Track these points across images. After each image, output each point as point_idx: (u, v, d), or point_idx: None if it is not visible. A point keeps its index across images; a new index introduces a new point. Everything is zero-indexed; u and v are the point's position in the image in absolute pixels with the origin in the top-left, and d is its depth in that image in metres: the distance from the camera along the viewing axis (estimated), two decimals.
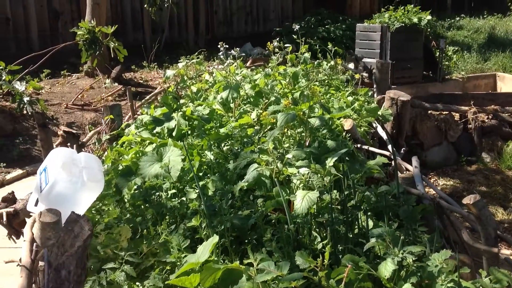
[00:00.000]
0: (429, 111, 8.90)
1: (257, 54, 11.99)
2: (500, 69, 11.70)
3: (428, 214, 3.05)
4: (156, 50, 11.43)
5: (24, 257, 2.33)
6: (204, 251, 2.46)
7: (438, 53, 10.74)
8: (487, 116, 8.98)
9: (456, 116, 9.06)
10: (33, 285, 2.29)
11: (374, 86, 7.31)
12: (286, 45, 5.62)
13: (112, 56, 9.02)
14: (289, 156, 3.30)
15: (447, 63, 11.45)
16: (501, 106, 8.93)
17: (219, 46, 5.33)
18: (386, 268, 2.19)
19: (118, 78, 9.17)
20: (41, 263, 2.43)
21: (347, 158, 3.73)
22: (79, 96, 8.29)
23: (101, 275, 2.39)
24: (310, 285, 2.34)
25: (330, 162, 2.96)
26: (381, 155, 3.74)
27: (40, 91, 8.34)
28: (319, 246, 2.76)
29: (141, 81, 9.76)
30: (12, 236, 2.95)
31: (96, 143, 4.34)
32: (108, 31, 8.66)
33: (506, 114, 8.95)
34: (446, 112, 8.96)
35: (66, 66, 10.28)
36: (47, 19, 11.58)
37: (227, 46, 5.28)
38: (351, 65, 9.36)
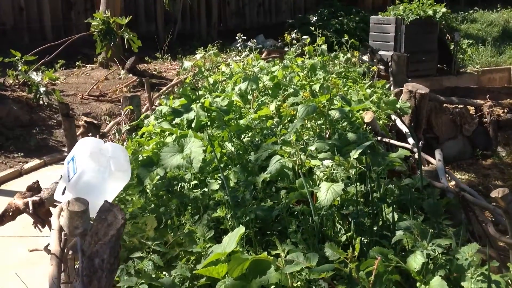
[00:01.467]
0: (444, 105, 8.84)
1: (270, 46, 11.95)
2: None
3: (453, 207, 3.04)
4: (169, 41, 11.43)
5: (53, 246, 2.35)
6: (231, 241, 2.47)
7: (452, 46, 10.65)
8: (502, 110, 8.91)
9: (471, 109, 9.00)
10: (62, 273, 2.31)
11: (391, 78, 7.27)
12: (304, 36, 5.60)
13: (126, 47, 9.05)
14: (312, 148, 3.30)
15: (461, 56, 11.36)
16: None
17: (236, 37, 5.32)
18: (416, 261, 2.19)
19: (133, 69, 9.18)
20: (70, 252, 2.46)
21: (368, 151, 3.72)
22: (95, 87, 8.31)
23: (129, 264, 2.40)
24: (335, 276, 2.34)
25: (354, 154, 2.95)
26: (402, 147, 3.73)
27: (56, 82, 8.37)
28: (343, 238, 2.76)
29: (155, 73, 9.77)
30: (38, 225, 2.96)
31: (116, 134, 4.35)
32: (123, 22, 8.68)
33: None
34: (461, 106, 8.90)
35: (80, 56, 10.30)
36: (60, 9, 11.60)
37: (245, 37, 5.27)
38: (365, 58, 9.31)
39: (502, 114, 8.90)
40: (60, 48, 8.36)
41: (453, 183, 4.11)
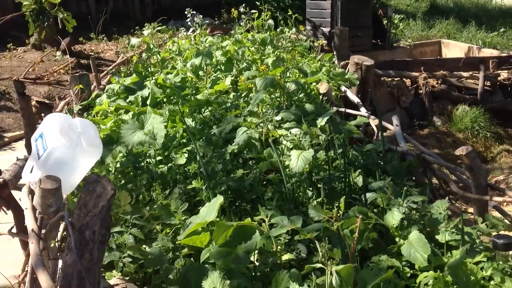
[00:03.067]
0: (382, 78, 9.11)
1: (207, 24, 11.83)
2: (444, 36, 12.09)
3: (413, 169, 3.18)
4: (103, 21, 11.08)
5: (30, 224, 2.28)
6: (210, 211, 2.49)
7: (386, 21, 10.96)
8: (436, 81, 9.29)
9: (407, 82, 9.33)
10: (43, 251, 2.25)
11: (334, 52, 7.41)
12: (252, 11, 5.60)
13: (60, 27, 8.68)
14: (278, 118, 3.34)
15: (394, 31, 11.72)
16: (449, 71, 9.26)
17: (186, 12, 5.24)
18: (393, 217, 2.29)
19: (68, 50, 8.84)
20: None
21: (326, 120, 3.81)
22: (30, 70, 7.95)
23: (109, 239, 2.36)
24: (318, 236, 2.42)
25: (321, 121, 3.02)
26: (361, 116, 3.84)
27: None
28: (314, 203, 2.83)
29: (92, 53, 9.45)
30: (2, 207, 2.85)
31: (68, 114, 4.21)
32: (56, 1, 8.31)
33: (455, 79, 9.30)
34: (398, 78, 9.21)
35: (9, 39, 9.80)
36: None
37: (194, 12, 5.21)
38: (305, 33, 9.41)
39: (436, 85, 9.28)
40: None
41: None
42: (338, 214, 2.13)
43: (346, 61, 6.08)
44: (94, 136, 2.60)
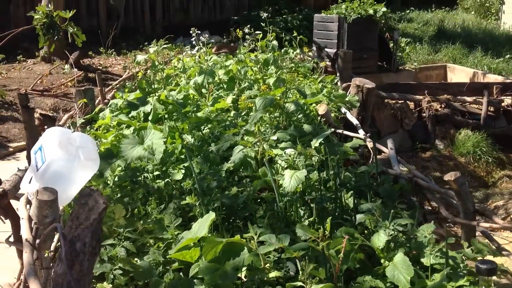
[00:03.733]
0: (386, 100, 9.18)
1: (215, 42, 11.99)
2: (450, 60, 12.18)
3: (406, 192, 3.23)
4: (113, 36, 11.26)
5: (25, 234, 2.35)
6: (201, 227, 2.54)
7: (392, 44, 11.07)
8: (440, 105, 9.34)
9: (411, 105, 9.39)
10: (36, 261, 2.31)
11: (337, 74, 7.50)
12: (257, 32, 5.71)
13: (70, 41, 8.84)
14: (274, 137, 3.41)
15: (400, 54, 11.82)
16: (453, 95, 9.32)
17: (190, 32, 5.35)
18: (379, 239, 2.34)
19: (77, 63, 8.99)
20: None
21: (321, 141, 3.87)
22: (38, 82, 8.09)
23: (101, 251, 2.43)
24: (305, 254, 2.46)
25: (316, 143, 3.09)
26: (356, 138, 3.90)
27: None
28: (306, 222, 2.89)
29: (100, 67, 9.60)
30: (1, 216, 2.92)
31: (71, 127, 4.30)
32: (67, 15, 8.48)
33: (458, 103, 9.35)
34: (402, 101, 9.27)
35: (20, 51, 9.98)
36: None
37: (199, 32, 5.32)
38: (310, 54, 9.53)
39: (439, 109, 9.33)
40: (2, 42, 8.09)
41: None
42: (325, 234, 2.18)
43: (348, 83, 6.15)
44: (92, 151, 2.67)
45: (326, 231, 2.23)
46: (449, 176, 2.72)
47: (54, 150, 2.52)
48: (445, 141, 9.12)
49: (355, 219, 2.68)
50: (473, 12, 18.24)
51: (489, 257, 2.43)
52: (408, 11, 17.37)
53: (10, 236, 3.15)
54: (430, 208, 3.33)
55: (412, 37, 13.96)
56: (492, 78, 10.42)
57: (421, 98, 9.21)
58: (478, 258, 2.39)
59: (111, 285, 2.44)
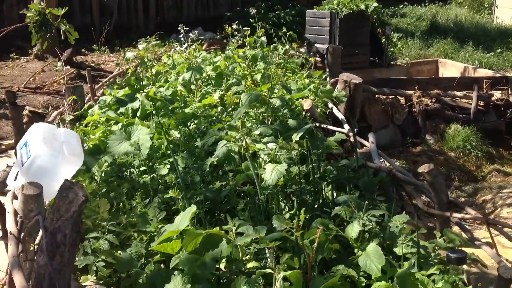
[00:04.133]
0: (377, 95, 9.26)
1: (209, 38, 12.03)
2: (441, 55, 12.25)
3: (385, 185, 3.31)
4: (106, 33, 11.29)
5: (10, 228, 2.42)
6: (183, 220, 2.61)
7: (384, 40, 11.13)
8: (430, 100, 9.43)
9: (402, 100, 9.47)
10: (21, 254, 2.38)
11: (327, 70, 7.57)
12: (245, 28, 5.77)
13: (62, 38, 8.88)
14: (257, 132, 3.48)
15: (392, 49, 11.88)
16: (443, 90, 9.39)
17: (179, 28, 5.41)
18: (353, 229, 2.41)
19: (70, 61, 9.04)
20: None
21: (307, 136, 3.95)
22: (31, 79, 8.14)
23: (85, 244, 2.50)
24: (280, 249, 2.54)
25: (296, 137, 3.16)
26: (341, 133, 3.97)
27: None
28: (287, 215, 2.96)
29: (93, 64, 9.65)
30: None
31: (60, 124, 4.37)
32: (59, 13, 8.51)
33: (448, 98, 9.43)
34: (392, 96, 9.34)
35: (13, 49, 10.02)
36: None
37: (187, 28, 5.38)
38: (302, 50, 9.60)
39: (430, 104, 9.41)
40: None
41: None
42: (299, 225, 2.25)
43: (336, 78, 6.22)
44: (76, 146, 2.75)
45: (300, 222, 2.30)
46: (422, 168, 2.80)
47: (38, 146, 2.59)
48: (435, 135, 9.21)
49: (331, 211, 2.75)
50: (466, 7, 18.32)
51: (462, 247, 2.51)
52: (401, 6, 17.44)
53: None
54: (411, 202, 3.41)
55: (405, 32, 14.03)
56: (482, 72, 10.51)
57: (412, 93, 9.29)
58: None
59: (94, 277, 2.51)
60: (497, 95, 9.54)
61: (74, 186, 2.03)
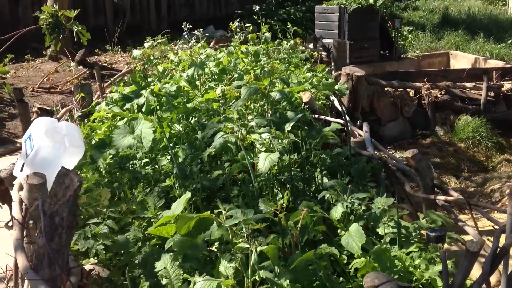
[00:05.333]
0: (386, 88, 9.31)
1: (220, 36, 12.20)
2: (452, 47, 12.24)
3: (377, 171, 3.42)
4: (119, 33, 11.53)
5: (15, 215, 2.60)
6: (179, 206, 2.76)
7: (394, 33, 11.17)
8: (439, 92, 9.45)
9: (411, 92, 9.50)
10: (25, 238, 2.55)
11: (332, 64, 7.67)
12: (247, 25, 5.90)
13: (76, 40, 9.12)
14: (252, 123, 3.61)
15: (402, 42, 11.92)
16: (452, 82, 9.41)
17: (182, 26, 5.56)
18: (337, 211, 2.53)
19: (83, 61, 9.28)
20: (30, 222, 2.69)
21: (306, 127, 4.08)
22: (45, 80, 8.38)
23: (86, 229, 2.66)
24: (272, 228, 2.68)
25: (288, 126, 3.28)
26: (336, 123, 4.09)
27: (5, 76, 8.40)
28: (281, 202, 3.09)
29: (106, 64, 9.88)
30: None
31: (69, 120, 4.55)
32: (71, 14, 8.74)
33: (458, 90, 9.45)
34: (402, 89, 9.39)
35: (29, 50, 10.30)
36: (6, 3, 11.50)
37: (190, 26, 5.52)
38: (311, 45, 9.70)
39: (439, 96, 9.44)
40: (8, 42, 8.38)
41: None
42: (283, 207, 2.38)
43: (339, 72, 6.32)
44: (77, 138, 2.91)
45: (284, 204, 2.43)
46: (407, 154, 2.91)
47: (41, 138, 2.76)
48: (445, 127, 9.24)
49: (317, 194, 2.87)
50: None
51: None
52: None
53: (9, 221, 3.42)
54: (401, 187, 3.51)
55: (417, 25, 14.02)
56: (493, 63, 10.48)
57: (421, 85, 9.32)
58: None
59: (96, 260, 2.67)
60: (507, 85, 9.51)
61: (70, 173, 2.19)
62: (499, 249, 2.05)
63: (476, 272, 2.15)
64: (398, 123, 9.34)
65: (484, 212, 2.85)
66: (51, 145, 2.74)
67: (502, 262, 2.10)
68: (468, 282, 2.07)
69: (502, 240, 2.15)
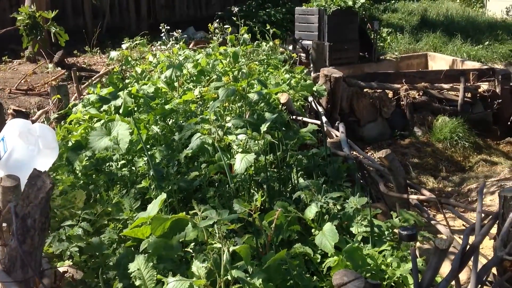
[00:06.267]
0: (365, 90, 9.40)
1: (200, 37, 12.19)
2: (431, 49, 12.38)
3: (352, 171, 3.45)
4: (98, 35, 11.45)
5: None
6: (154, 207, 2.76)
7: (373, 35, 11.27)
8: (418, 93, 9.57)
9: (390, 93, 9.60)
10: None
11: (311, 65, 7.71)
12: (225, 26, 5.91)
13: (54, 41, 9.04)
14: (229, 124, 3.62)
15: (381, 44, 12.03)
16: (430, 83, 9.53)
17: (160, 27, 5.55)
18: (311, 211, 2.56)
19: (61, 62, 9.20)
20: (4, 224, 2.67)
21: (283, 128, 4.10)
22: (22, 81, 8.30)
23: (60, 231, 2.64)
24: (247, 229, 2.69)
25: (263, 127, 3.30)
26: (313, 124, 4.12)
27: None
28: (255, 202, 3.10)
29: (84, 66, 9.82)
30: None
31: (45, 122, 4.51)
32: (49, 16, 8.66)
33: (435, 91, 9.57)
34: (380, 90, 9.48)
35: (7, 52, 10.19)
36: None
37: (168, 27, 5.52)
38: (290, 47, 9.74)
39: (417, 97, 9.55)
40: None
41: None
42: (256, 207, 2.40)
43: (318, 73, 6.37)
44: (51, 140, 2.90)
45: (257, 204, 2.44)
46: (380, 153, 2.94)
47: (14, 140, 2.74)
48: (423, 128, 9.34)
49: (291, 195, 2.90)
50: (458, 0, 18.45)
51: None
52: (393, 1, 17.58)
53: None
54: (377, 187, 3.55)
55: (396, 27, 14.16)
56: (470, 65, 10.63)
57: (399, 86, 9.42)
58: None
59: (71, 262, 2.66)
60: (484, 86, 9.67)
61: (42, 174, 2.18)
62: (468, 247, 2.10)
63: (446, 269, 2.18)
64: (377, 124, 9.42)
65: (456, 211, 2.90)
66: (25, 147, 2.73)
67: (472, 259, 2.14)
68: (438, 280, 2.11)
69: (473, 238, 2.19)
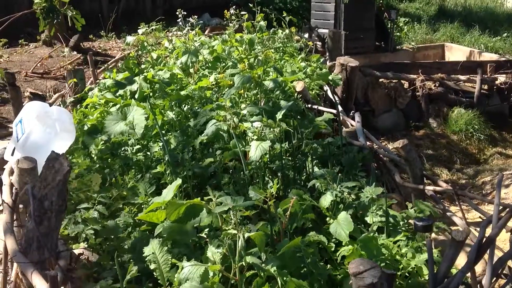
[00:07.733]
0: (380, 80, 9.33)
1: (216, 24, 12.14)
2: (448, 39, 12.23)
3: (367, 161, 3.43)
4: (114, 19, 11.44)
5: (6, 198, 2.60)
6: (169, 192, 2.77)
7: (389, 24, 11.15)
8: (434, 84, 9.47)
9: (405, 84, 9.52)
10: (15, 221, 2.56)
11: (327, 54, 7.66)
12: (242, 13, 5.88)
13: (70, 25, 9.06)
14: (244, 112, 3.61)
15: (398, 34, 11.90)
16: (447, 74, 9.43)
17: (176, 13, 5.54)
18: (326, 199, 2.55)
19: (77, 47, 9.22)
20: (20, 206, 2.70)
21: (298, 116, 4.09)
22: (38, 65, 8.34)
23: (76, 214, 2.66)
24: (262, 216, 2.69)
25: (279, 115, 3.29)
26: (329, 113, 4.10)
27: None
28: (271, 190, 3.10)
29: (100, 50, 9.83)
30: None
31: (61, 105, 4.54)
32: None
33: (452, 82, 9.47)
34: (396, 80, 9.40)
35: (23, 35, 10.23)
36: None
37: (185, 13, 5.51)
38: (307, 35, 9.67)
39: (433, 88, 9.46)
40: (2, 26, 8.32)
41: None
42: (272, 194, 2.40)
43: (334, 62, 6.32)
44: (68, 123, 2.91)
45: (273, 192, 2.44)
46: (397, 144, 2.92)
47: (32, 123, 2.76)
48: (438, 119, 9.27)
49: (307, 183, 2.89)
50: None
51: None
52: None
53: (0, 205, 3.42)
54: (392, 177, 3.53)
55: (413, 16, 14.00)
56: (487, 56, 10.49)
57: (415, 77, 9.34)
58: None
59: (86, 245, 2.68)
60: (501, 78, 9.54)
61: (60, 157, 2.19)
62: (485, 239, 2.08)
63: (462, 261, 2.17)
64: (392, 115, 9.35)
65: (472, 203, 2.88)
66: (42, 129, 2.75)
67: (488, 252, 2.12)
68: (454, 271, 2.10)
69: (489, 230, 2.17)
